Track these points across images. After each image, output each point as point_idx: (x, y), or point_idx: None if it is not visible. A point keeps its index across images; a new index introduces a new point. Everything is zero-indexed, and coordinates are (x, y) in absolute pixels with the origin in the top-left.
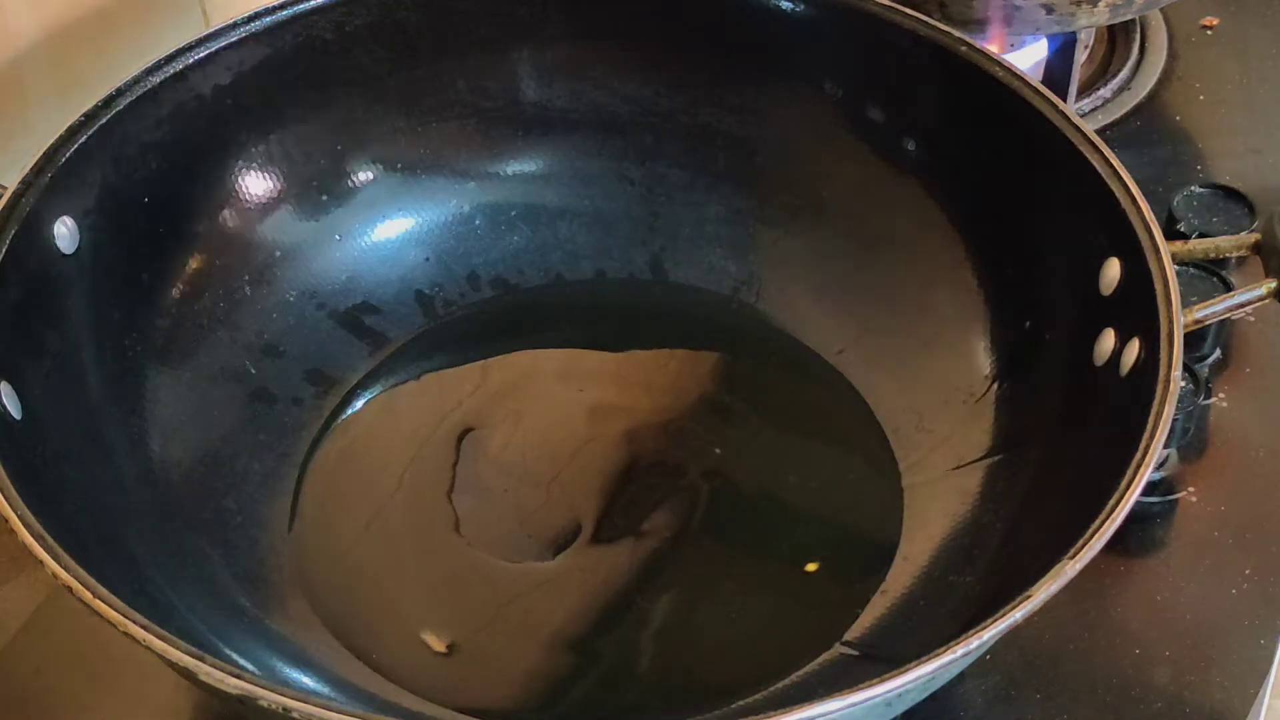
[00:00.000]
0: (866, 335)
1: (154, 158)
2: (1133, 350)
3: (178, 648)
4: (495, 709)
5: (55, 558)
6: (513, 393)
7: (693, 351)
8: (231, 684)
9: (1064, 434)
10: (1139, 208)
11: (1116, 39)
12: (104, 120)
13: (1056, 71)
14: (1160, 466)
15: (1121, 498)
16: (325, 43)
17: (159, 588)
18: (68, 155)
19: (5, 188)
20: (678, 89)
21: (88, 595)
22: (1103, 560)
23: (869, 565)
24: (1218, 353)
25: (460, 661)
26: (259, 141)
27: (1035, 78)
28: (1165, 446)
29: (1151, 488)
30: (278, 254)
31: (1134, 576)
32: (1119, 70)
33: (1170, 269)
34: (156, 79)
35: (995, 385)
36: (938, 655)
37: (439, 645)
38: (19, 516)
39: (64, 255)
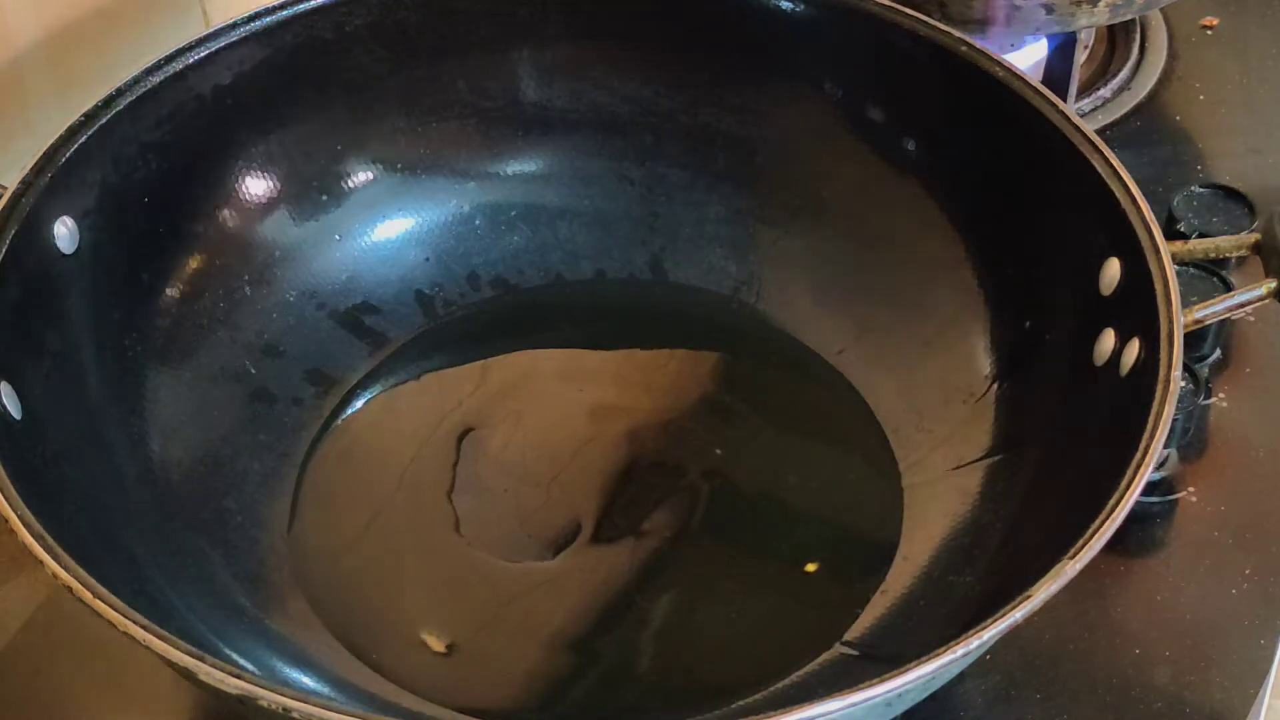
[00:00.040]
0: (866, 335)
1: (154, 158)
2: (1133, 350)
3: (178, 648)
4: (495, 709)
5: (55, 558)
6: (513, 393)
7: (693, 351)
8: (231, 684)
9: (1064, 434)
10: (1139, 208)
11: (1116, 39)
12: (104, 120)
13: (1056, 71)
14: (1160, 466)
15: (1121, 498)
16: (325, 43)
17: (159, 588)
18: (68, 155)
19: (5, 188)
20: (678, 89)
21: (88, 595)
22: (1103, 560)
23: (869, 565)
24: (1218, 353)
25: (460, 661)
26: (259, 141)
27: (1035, 78)
28: (1165, 446)
29: (1151, 488)
30: (278, 254)
31: (1134, 576)
32: (1119, 70)
33: (1170, 269)
34: (156, 79)
35: (995, 385)
36: (938, 655)
37: (439, 645)
38: (19, 516)
39: (64, 255)
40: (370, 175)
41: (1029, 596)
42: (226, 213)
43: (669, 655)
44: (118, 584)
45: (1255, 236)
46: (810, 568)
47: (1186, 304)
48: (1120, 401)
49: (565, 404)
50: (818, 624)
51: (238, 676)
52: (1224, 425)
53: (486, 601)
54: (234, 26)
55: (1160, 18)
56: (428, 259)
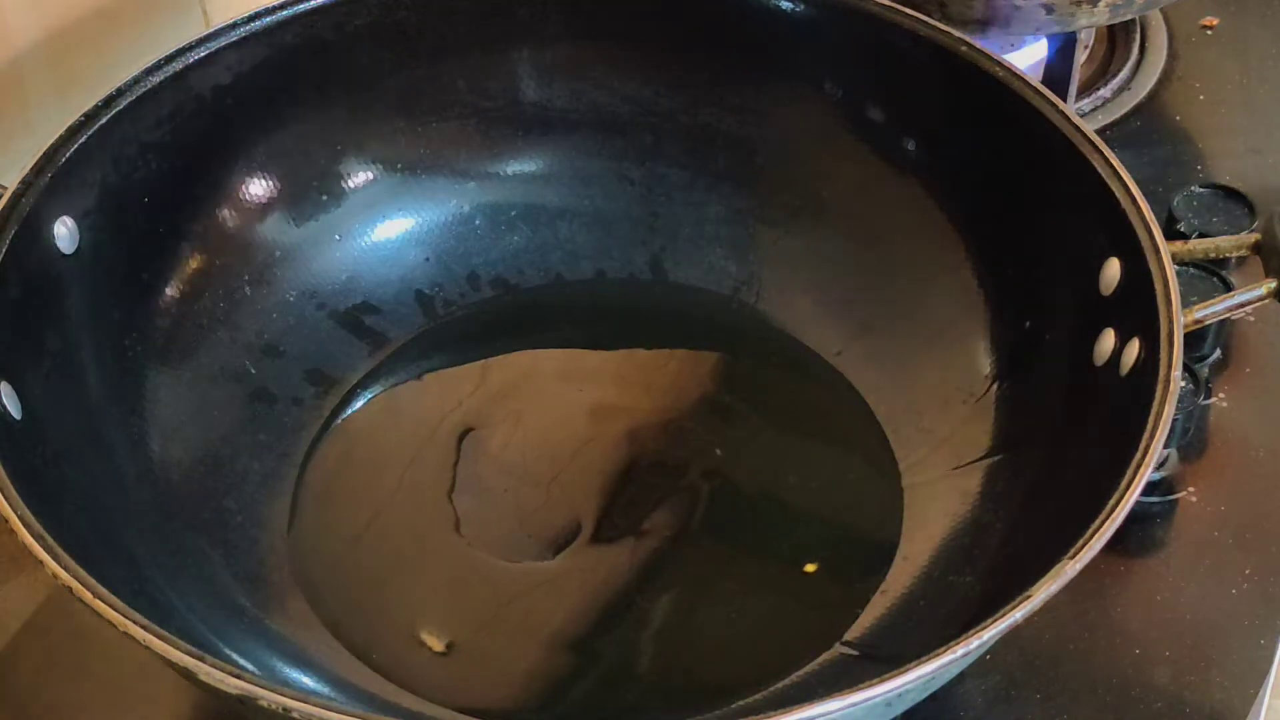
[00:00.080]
0: (866, 335)
1: (154, 158)
2: (1133, 350)
3: (178, 648)
4: (495, 709)
5: (55, 558)
6: (513, 393)
7: (693, 351)
8: (231, 684)
9: (1064, 434)
10: (1139, 208)
11: (1116, 39)
12: (104, 120)
13: (1056, 71)
14: (1160, 466)
15: (1121, 498)
16: (325, 43)
17: (159, 588)
18: (68, 155)
19: (5, 188)
20: (678, 89)
21: (88, 595)
22: (1103, 560)
23: (869, 565)
24: (1218, 353)
25: (460, 661)
26: (259, 141)
27: (1035, 78)
28: (1165, 446)
29: (1151, 488)
30: (278, 254)
31: (1134, 576)
32: (1119, 70)
33: (1170, 269)
34: (156, 79)
35: (995, 385)
36: (938, 655)
37: (439, 645)
38: (19, 516)
39: (64, 255)
40: (370, 175)
41: (1029, 596)
42: (226, 213)
43: (669, 655)
44: (118, 584)
45: (1255, 236)
46: (810, 568)
47: (1186, 304)
48: (1120, 401)
49: (565, 404)
50: (818, 624)
51: (238, 676)
52: (1224, 425)
53: (486, 601)
54: (234, 26)
55: (1160, 18)
56: (428, 259)
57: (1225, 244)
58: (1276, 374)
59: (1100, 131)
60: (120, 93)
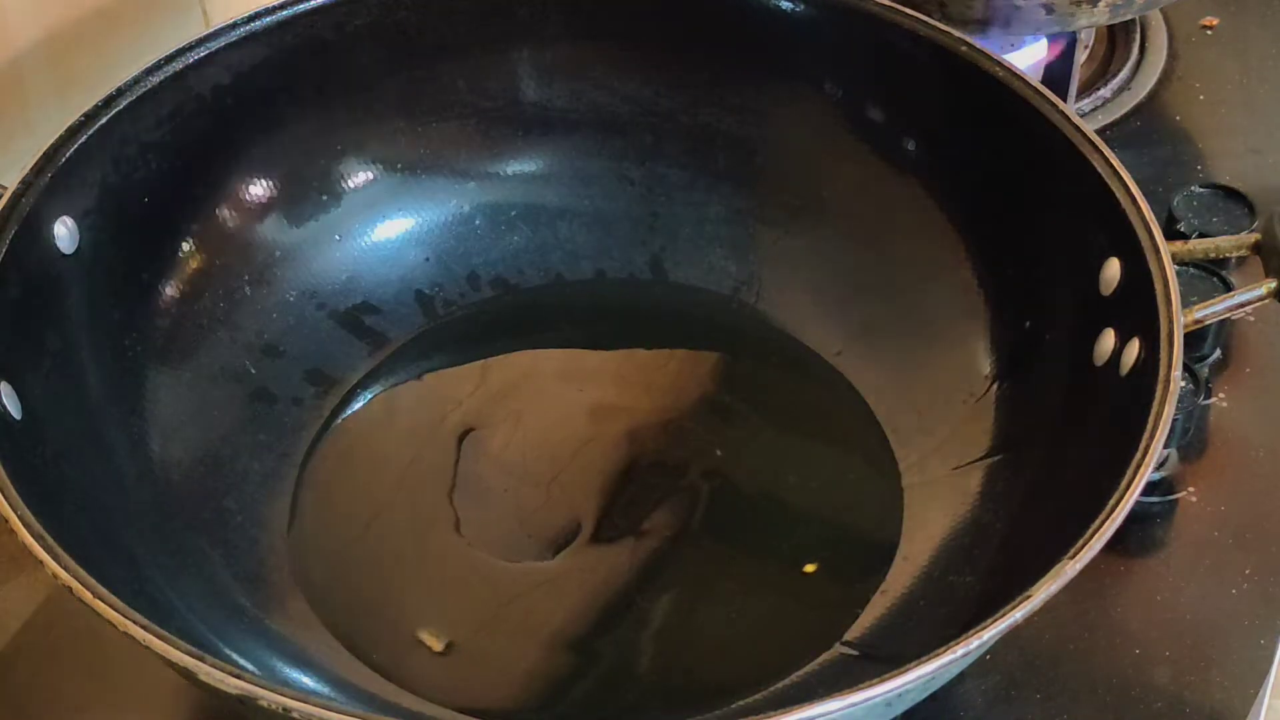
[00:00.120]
0: (866, 335)
1: (154, 158)
2: (1133, 350)
3: (178, 648)
4: (495, 709)
5: (55, 558)
6: (513, 393)
7: (693, 351)
8: (231, 684)
9: (1064, 434)
10: (1139, 208)
11: (1116, 39)
12: (104, 120)
13: (1056, 71)
14: (1160, 466)
15: (1121, 498)
16: (325, 43)
17: (159, 588)
18: (68, 155)
19: (5, 188)
20: (678, 89)
21: (88, 595)
22: (1103, 560)
23: (869, 565)
24: (1218, 353)
25: (460, 661)
26: (259, 141)
27: (1035, 78)
28: (1165, 446)
29: (1151, 488)
30: (278, 254)
31: (1134, 576)
32: (1119, 70)
33: (1170, 269)
34: (156, 79)
35: (995, 385)
36: (938, 655)
37: (438, 645)
38: (19, 516)
39: (64, 255)
40: (370, 175)
41: (1029, 596)
42: (226, 213)
43: (669, 655)
44: (118, 584)
45: (1255, 236)
46: (810, 568)
47: (1186, 304)
48: (1120, 401)
49: (565, 404)
50: (818, 624)
51: (238, 676)
52: (1224, 425)
53: (486, 601)
54: (234, 26)
55: (1160, 18)
56: (428, 259)
57: (1225, 244)
58: (1276, 374)
59: (1100, 131)
60: (120, 93)
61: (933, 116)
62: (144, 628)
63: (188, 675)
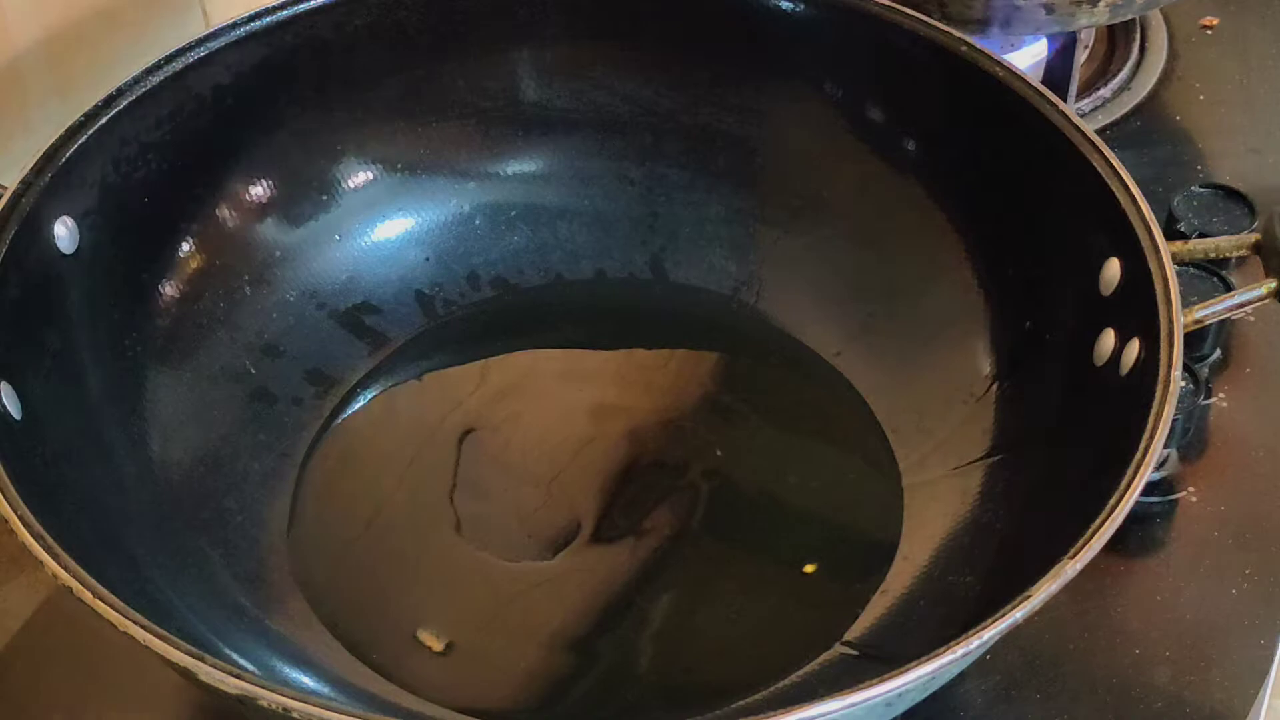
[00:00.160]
0: (866, 335)
1: (154, 158)
2: (1133, 350)
3: (178, 648)
4: (495, 709)
5: (55, 558)
6: (513, 393)
7: (693, 351)
8: (231, 684)
9: (1064, 434)
10: (1139, 208)
11: (1116, 39)
12: (104, 120)
13: (1056, 71)
14: (1160, 466)
15: (1121, 498)
16: (325, 43)
17: (159, 588)
18: (68, 155)
19: (5, 188)
20: (678, 89)
21: (88, 595)
22: (1103, 560)
23: (869, 565)
24: (1218, 353)
25: (460, 661)
26: (259, 141)
27: (1035, 78)
28: (1165, 446)
29: (1151, 488)
30: (278, 254)
31: (1134, 576)
32: (1119, 70)
33: (1170, 269)
34: (156, 79)
35: (995, 385)
36: (938, 655)
37: (438, 645)
38: (19, 516)
39: (64, 255)
40: (370, 175)
41: (1029, 596)
42: (226, 213)
43: (669, 655)
44: (118, 584)
45: (1255, 236)
46: (810, 568)
47: (1186, 304)
48: (1120, 401)
49: (565, 404)
50: (818, 624)
51: (238, 676)
52: (1224, 425)
53: (486, 601)
54: (234, 26)
55: (1160, 18)
56: (428, 259)
57: (1225, 244)
58: (1276, 374)
59: (1100, 131)
60: (120, 93)
61: (933, 116)
62: (144, 628)
63: (188, 675)
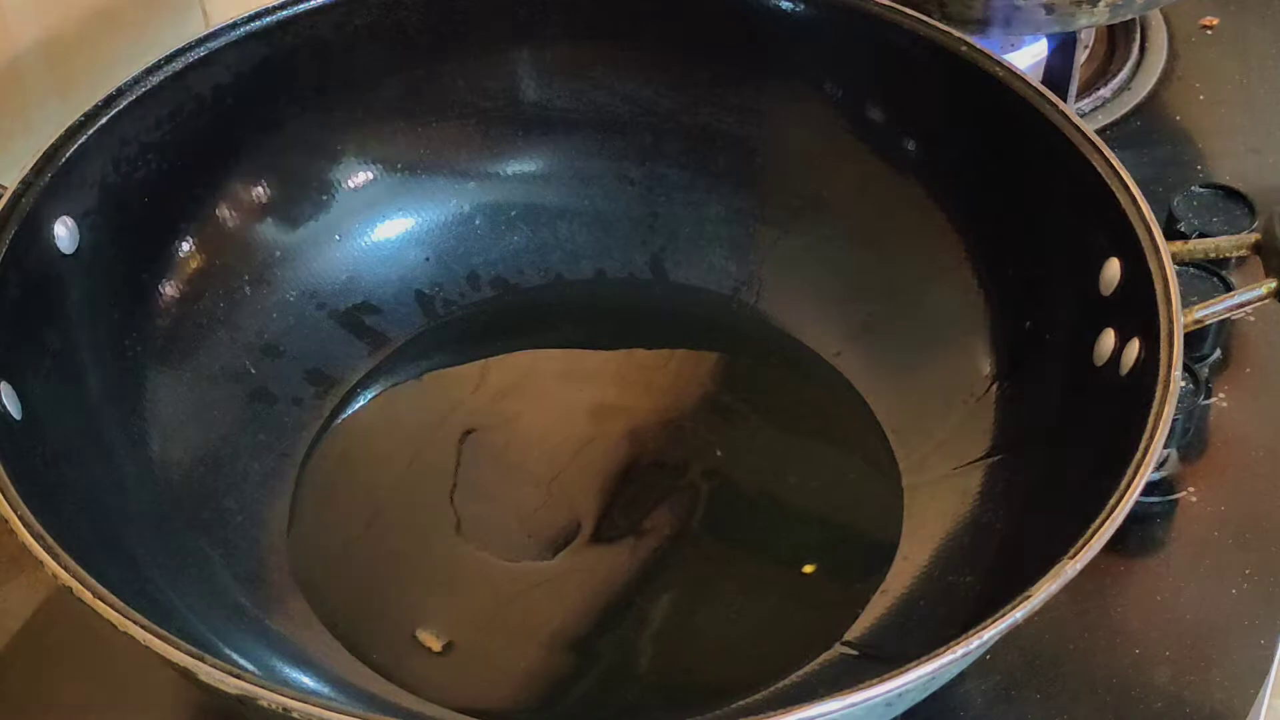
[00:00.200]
0: (866, 335)
1: (154, 158)
2: (1133, 350)
3: (178, 648)
4: (495, 709)
5: (55, 558)
6: (513, 393)
7: (693, 351)
8: (231, 684)
9: (1064, 434)
10: (1139, 208)
11: (1116, 39)
12: (104, 120)
13: (1056, 71)
14: (1160, 466)
15: (1121, 498)
16: (325, 43)
17: (159, 588)
18: (68, 155)
19: (5, 188)
20: (678, 89)
21: (88, 595)
22: (1103, 560)
23: (869, 565)
24: (1218, 353)
25: (460, 661)
26: (259, 141)
27: (1035, 78)
28: (1165, 446)
29: (1151, 488)
30: (278, 254)
31: (1134, 576)
32: (1119, 70)
33: (1170, 269)
34: (156, 79)
35: (995, 385)
36: (938, 655)
37: (438, 645)
38: (19, 516)
39: (64, 255)
40: (370, 175)
41: (1029, 596)
42: (226, 213)
43: (669, 655)
44: (118, 584)
45: (1255, 236)
46: (809, 568)
47: (1186, 304)
48: (1120, 401)
49: (565, 404)
50: (818, 624)
51: (238, 676)
52: (1224, 425)
53: (486, 601)
54: (234, 26)
55: (1160, 18)
56: (428, 259)
57: (1225, 244)
58: (1276, 374)
59: (1100, 131)
60: (120, 93)
61: (933, 116)
62: (144, 628)
63: (188, 675)
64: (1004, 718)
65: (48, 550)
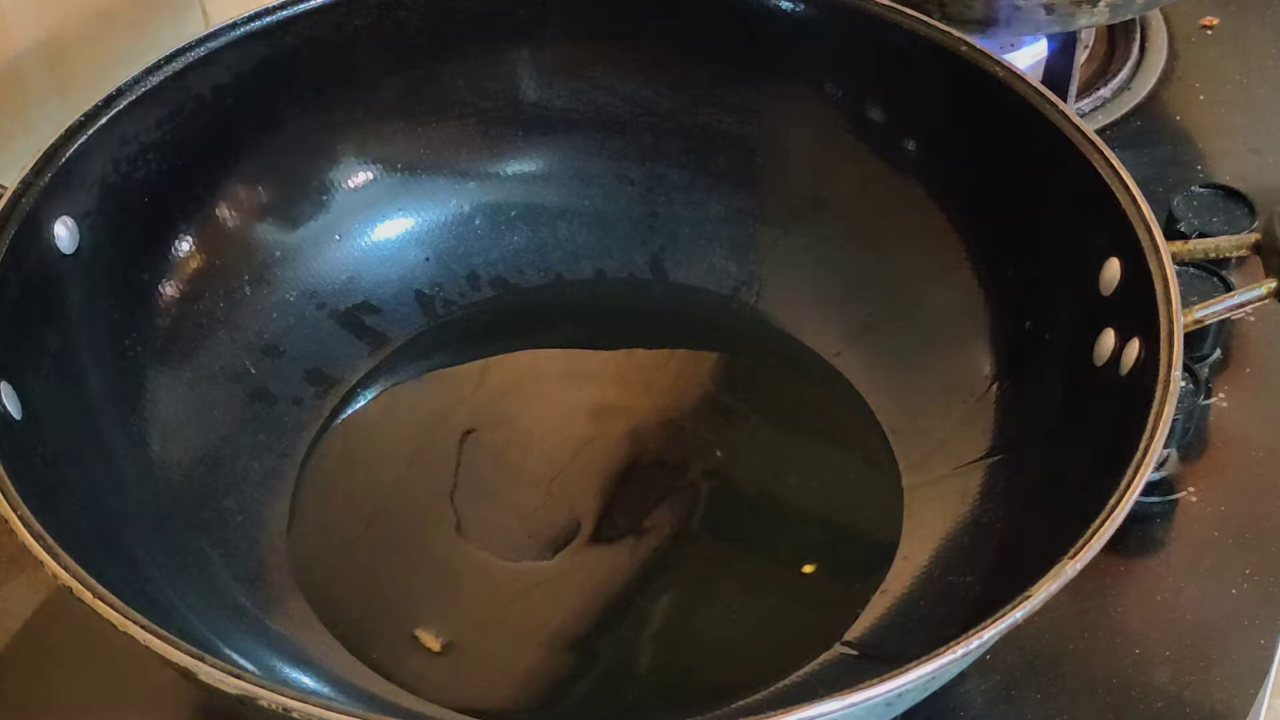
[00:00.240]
0: (866, 335)
1: (154, 158)
2: (1133, 350)
3: (178, 648)
4: (495, 709)
5: (55, 558)
6: (513, 393)
7: (693, 351)
8: (231, 684)
9: (1064, 434)
10: (1139, 208)
11: (1116, 39)
12: (104, 120)
13: (1056, 71)
14: (1160, 466)
15: (1121, 498)
16: (325, 43)
17: (159, 588)
18: (68, 155)
19: (5, 188)
20: (678, 89)
21: (88, 595)
22: (1103, 560)
23: (869, 565)
24: (1218, 353)
25: (460, 661)
26: (259, 141)
27: (1035, 78)
28: (1165, 446)
29: (1151, 488)
30: (278, 254)
31: (1134, 576)
32: (1119, 70)
33: (1170, 269)
34: (156, 79)
35: (995, 385)
36: (938, 655)
37: (438, 645)
38: (19, 516)
39: (64, 255)
40: (370, 175)
41: (1029, 596)
42: (226, 213)
43: (669, 655)
44: (118, 584)
45: (1255, 236)
46: (809, 568)
47: (1186, 304)
48: (1120, 401)
49: (565, 404)
50: (818, 624)
51: (238, 676)
52: (1224, 425)
53: (486, 601)
54: (234, 26)
55: (1160, 18)
56: (428, 259)
57: (1225, 244)
58: (1276, 374)
59: (1100, 131)
60: (120, 93)
61: (933, 116)
62: (144, 628)
63: (188, 675)
64: (1004, 718)
65: (48, 550)
